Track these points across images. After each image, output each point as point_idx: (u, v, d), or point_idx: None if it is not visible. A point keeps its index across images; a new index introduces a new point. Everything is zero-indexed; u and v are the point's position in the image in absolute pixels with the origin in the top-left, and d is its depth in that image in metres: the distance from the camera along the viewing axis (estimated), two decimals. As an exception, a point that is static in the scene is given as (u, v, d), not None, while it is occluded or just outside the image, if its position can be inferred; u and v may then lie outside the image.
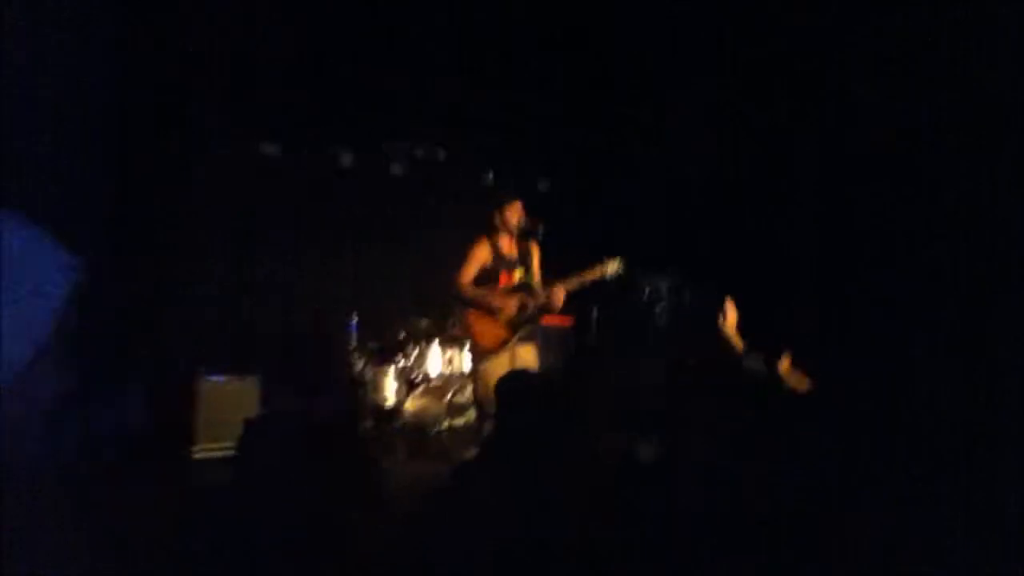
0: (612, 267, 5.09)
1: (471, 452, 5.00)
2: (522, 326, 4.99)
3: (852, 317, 5.24)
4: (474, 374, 5.11)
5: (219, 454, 5.20)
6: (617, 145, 7.44)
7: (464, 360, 6.24)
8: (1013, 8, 3.71)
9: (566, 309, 5.36)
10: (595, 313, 6.42)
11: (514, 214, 5.06)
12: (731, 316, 4.27)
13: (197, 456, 5.23)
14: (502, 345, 4.92)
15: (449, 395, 6.05)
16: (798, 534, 2.36)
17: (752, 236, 6.60)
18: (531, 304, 5.01)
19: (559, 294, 4.97)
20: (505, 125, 7.01)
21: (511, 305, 4.96)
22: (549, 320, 5.82)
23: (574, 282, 5.03)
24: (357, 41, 6.22)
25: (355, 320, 6.22)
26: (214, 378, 5.47)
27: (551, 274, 5.25)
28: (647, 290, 7.55)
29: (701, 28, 5.29)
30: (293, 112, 6.62)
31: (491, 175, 7.57)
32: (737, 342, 4.13)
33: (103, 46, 4.31)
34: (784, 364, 3.77)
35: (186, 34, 5.26)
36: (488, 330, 4.94)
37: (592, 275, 5.06)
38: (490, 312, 4.94)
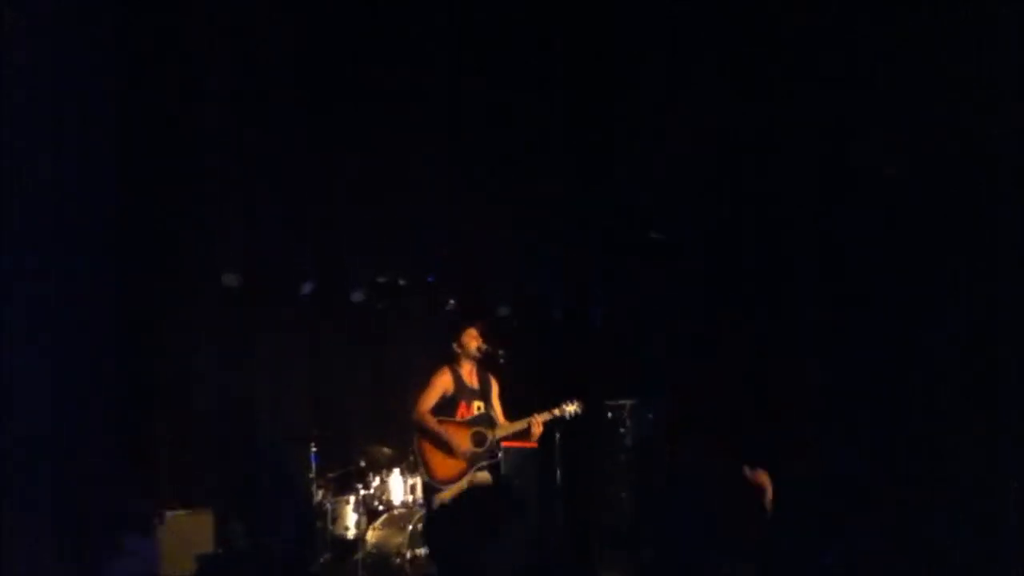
0: (571, 408, 5.16)
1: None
2: (480, 459, 4.94)
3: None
4: (428, 507, 4.99)
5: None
6: (574, 270, 7.56)
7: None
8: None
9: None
10: (558, 435, 6.39)
11: (472, 340, 5.11)
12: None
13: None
14: (458, 477, 4.85)
15: (412, 524, 5.91)
16: None
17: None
18: (490, 437, 4.99)
19: (539, 423, 5.00)
20: (465, 252, 7.12)
21: (468, 441, 4.92)
22: (511, 443, 5.79)
23: (536, 420, 5.06)
24: (314, 169, 6.34)
25: (314, 449, 6.13)
26: (167, 513, 5.31)
27: (511, 404, 5.27)
28: (610, 412, 7.56)
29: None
30: (254, 243, 6.67)
31: (452, 301, 7.64)
32: None
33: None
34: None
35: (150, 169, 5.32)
36: (444, 462, 4.87)
37: (551, 415, 5.11)
38: (447, 446, 4.88)
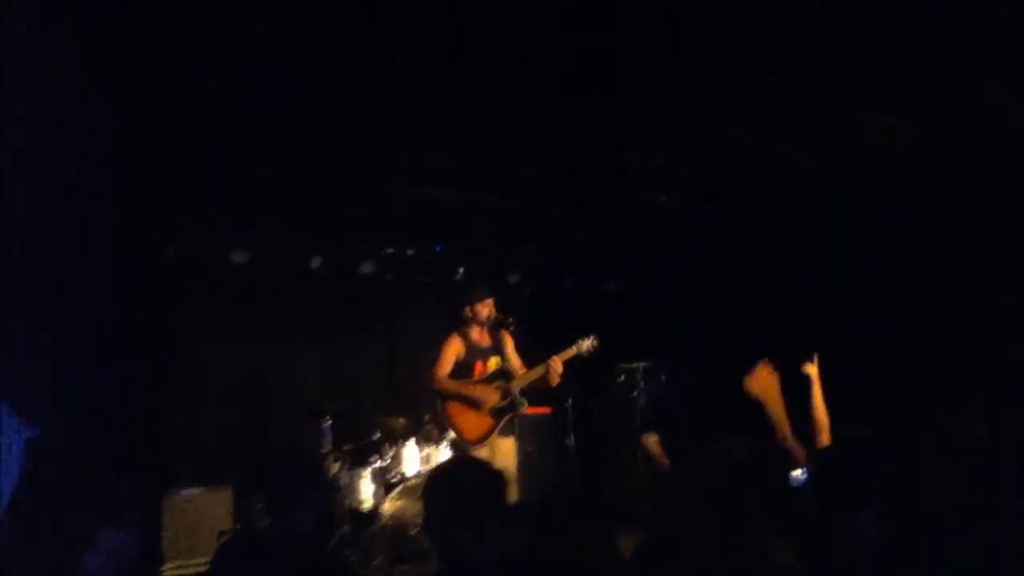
0: (586, 344, 5.16)
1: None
2: (506, 413, 5.00)
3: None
4: None
5: (192, 571, 5.04)
6: (586, 238, 7.49)
7: (442, 457, 6.16)
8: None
9: (543, 396, 5.37)
10: (571, 400, 6.39)
11: (485, 309, 5.14)
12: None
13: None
14: (488, 434, 4.92)
15: (428, 494, 5.93)
16: None
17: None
18: (513, 389, 5.04)
19: (558, 364, 4.96)
20: (474, 221, 7.04)
21: (492, 394, 4.99)
22: (527, 409, 5.81)
23: (553, 363, 5.04)
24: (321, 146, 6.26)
25: (328, 423, 6.14)
26: (185, 491, 5.34)
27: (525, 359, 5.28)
28: (623, 375, 7.55)
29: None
30: (262, 218, 6.61)
31: (461, 270, 7.60)
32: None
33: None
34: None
35: (155, 147, 5.26)
36: (472, 421, 4.95)
37: (569, 354, 5.11)
38: (472, 403, 4.96)
